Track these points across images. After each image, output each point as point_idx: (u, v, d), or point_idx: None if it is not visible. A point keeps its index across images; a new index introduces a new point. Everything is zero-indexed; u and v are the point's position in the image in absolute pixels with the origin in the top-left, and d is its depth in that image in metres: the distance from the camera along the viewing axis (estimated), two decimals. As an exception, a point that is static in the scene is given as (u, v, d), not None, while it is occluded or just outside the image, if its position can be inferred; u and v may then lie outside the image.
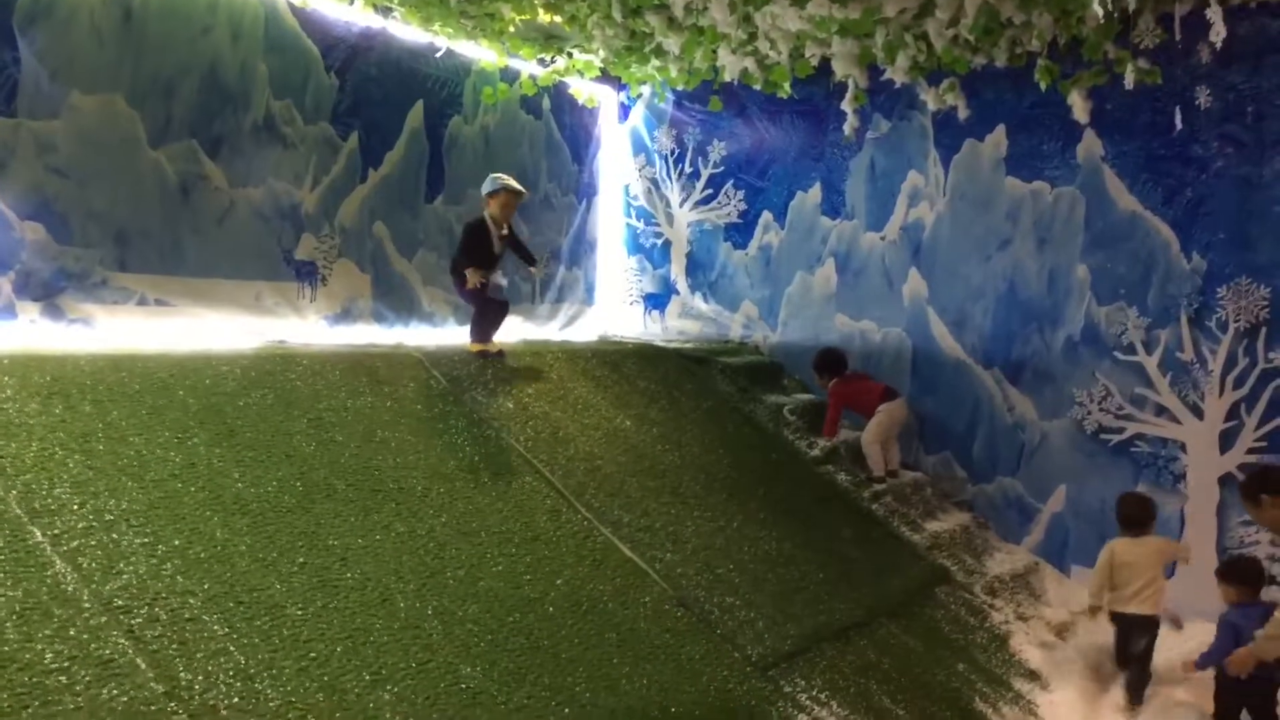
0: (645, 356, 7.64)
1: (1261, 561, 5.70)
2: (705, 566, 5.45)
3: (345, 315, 6.96)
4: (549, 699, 4.03)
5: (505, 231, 6.55)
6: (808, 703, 4.83)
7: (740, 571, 5.57)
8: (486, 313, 6.55)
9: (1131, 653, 5.89)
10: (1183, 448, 6.78)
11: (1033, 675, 6.02)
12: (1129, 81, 6.30)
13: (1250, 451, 6.49)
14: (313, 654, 3.64)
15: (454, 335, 7.39)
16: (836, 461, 7.51)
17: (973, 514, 7.74)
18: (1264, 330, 6.44)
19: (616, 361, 7.27)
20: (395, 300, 7.34)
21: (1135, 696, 5.82)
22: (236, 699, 3.31)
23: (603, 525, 5.33)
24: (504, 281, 6.73)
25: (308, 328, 6.63)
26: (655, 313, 9.30)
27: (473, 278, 6.30)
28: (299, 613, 3.79)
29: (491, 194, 6.47)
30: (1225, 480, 6.59)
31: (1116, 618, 5.97)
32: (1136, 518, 6.06)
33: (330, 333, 6.75)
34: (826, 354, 7.99)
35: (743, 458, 6.89)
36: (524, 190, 6.67)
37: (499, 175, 6.57)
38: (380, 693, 3.64)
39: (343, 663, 3.67)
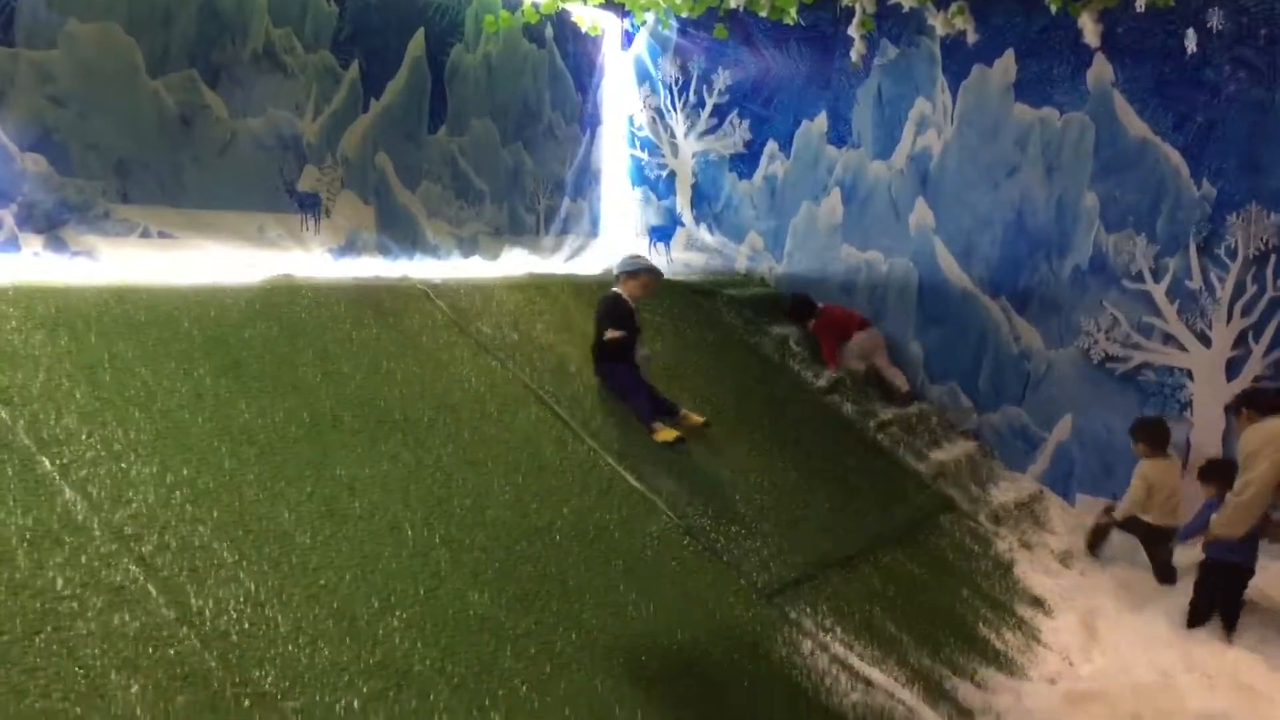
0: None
1: (1235, 463, 5.79)
2: (711, 496, 5.47)
3: (349, 248, 6.93)
4: (556, 625, 4.07)
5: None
6: (813, 629, 4.87)
7: (746, 501, 5.59)
8: (633, 389, 5.87)
9: (1159, 559, 6.40)
10: (1189, 376, 6.77)
11: (1036, 601, 6.07)
12: (1140, 4, 6.19)
13: (1257, 379, 6.48)
14: (322, 581, 3.67)
15: (458, 268, 7.38)
16: (842, 392, 7.51)
17: (978, 443, 7.76)
18: (1273, 258, 6.40)
19: (622, 293, 7.24)
20: (399, 232, 7.30)
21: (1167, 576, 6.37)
22: (247, 624, 3.34)
23: (609, 455, 5.34)
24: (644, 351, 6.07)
25: (312, 260, 6.60)
26: (660, 245, 9.25)
27: (613, 334, 5.82)
28: (307, 541, 3.81)
29: (631, 274, 6.03)
30: (1231, 408, 6.58)
31: (1145, 529, 6.45)
32: (1161, 439, 6.51)
33: (334, 265, 6.73)
34: (794, 302, 8.13)
35: (748, 389, 6.89)
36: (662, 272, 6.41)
37: (638, 255, 6.35)
38: (389, 619, 3.67)
39: (352, 590, 3.70)
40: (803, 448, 6.49)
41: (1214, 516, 5.72)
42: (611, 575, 4.53)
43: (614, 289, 6.03)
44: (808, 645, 4.75)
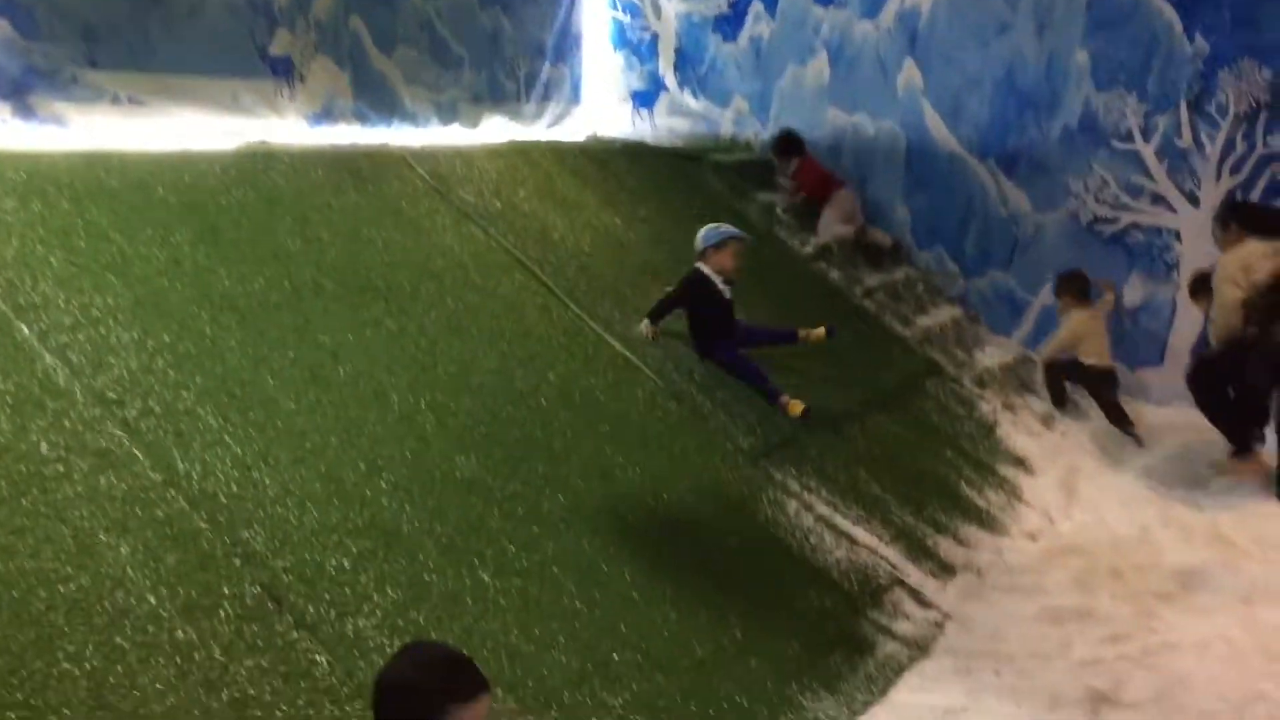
0: (634, 154, 7.51)
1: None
2: (698, 362, 5.47)
3: (326, 115, 6.77)
4: (543, 487, 4.11)
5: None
6: (798, 489, 4.93)
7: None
8: (741, 368, 5.48)
9: (1105, 399, 6.76)
10: (1177, 236, 6.74)
11: (1019, 461, 6.14)
12: None
13: (1245, 239, 6.44)
14: (308, 445, 3.68)
15: (438, 135, 7.23)
16: (829, 259, 7.47)
17: (964, 308, 7.75)
18: (1263, 114, 6.31)
19: (605, 160, 7.13)
20: (376, 99, 7.12)
21: (1128, 428, 6.62)
22: (234, 487, 3.36)
23: (594, 322, 5.32)
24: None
25: (287, 127, 6.45)
26: (644, 111, 9.08)
27: (647, 330, 5.44)
28: (292, 406, 3.81)
29: (717, 246, 5.48)
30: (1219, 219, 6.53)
31: (1084, 372, 6.80)
32: (1084, 288, 6.88)
33: (311, 133, 6.58)
34: (784, 136, 7.98)
35: (734, 255, 6.82)
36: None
37: (720, 224, 5.61)
38: (377, 481, 3.69)
39: (338, 453, 3.72)
40: (789, 314, 6.46)
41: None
42: (598, 439, 4.56)
43: (696, 265, 5.50)
44: (793, 505, 4.81)
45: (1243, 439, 5.82)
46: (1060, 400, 6.91)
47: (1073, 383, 6.94)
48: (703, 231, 5.56)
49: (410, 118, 7.36)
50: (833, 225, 7.69)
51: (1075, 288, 6.90)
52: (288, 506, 3.41)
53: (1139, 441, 6.52)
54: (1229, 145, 6.47)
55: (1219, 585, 4.66)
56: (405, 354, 4.40)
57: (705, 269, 5.48)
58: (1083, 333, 6.81)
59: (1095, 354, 6.78)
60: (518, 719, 2.84)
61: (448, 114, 7.61)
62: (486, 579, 3.57)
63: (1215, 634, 4.24)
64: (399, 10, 7.22)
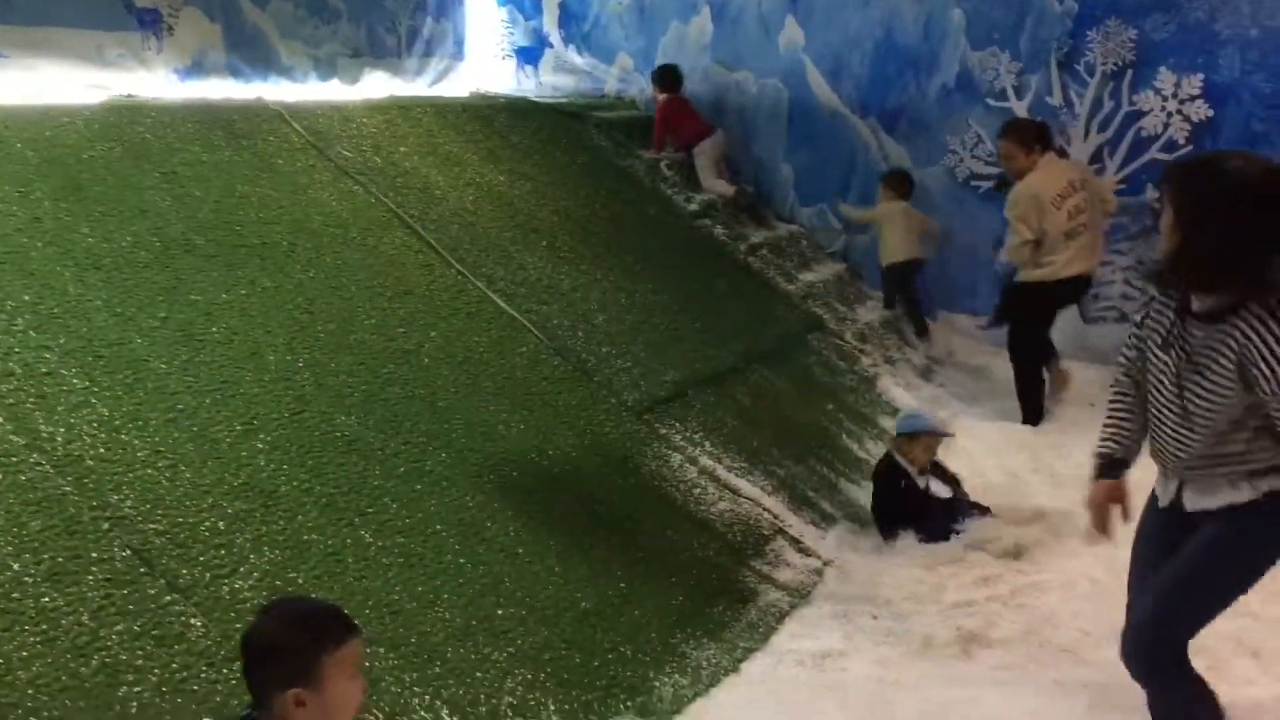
0: (518, 111, 7.43)
1: None
2: (582, 318, 5.47)
3: (196, 69, 6.56)
4: (426, 444, 4.08)
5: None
6: (682, 443, 4.98)
7: (617, 322, 5.61)
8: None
9: (906, 295, 7.35)
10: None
11: (897, 413, 6.27)
12: None
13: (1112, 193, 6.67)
14: (180, 406, 3.59)
15: (316, 91, 7.07)
16: (713, 216, 7.52)
17: (846, 264, 7.89)
18: (1129, 73, 6.52)
19: (488, 116, 7.05)
20: (250, 53, 6.92)
21: (921, 329, 7.32)
22: (102, 450, 3.26)
23: (477, 279, 5.28)
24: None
25: (156, 82, 6.24)
26: (529, 67, 8.99)
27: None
28: (163, 367, 3.71)
29: (909, 435, 4.96)
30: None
31: (889, 268, 7.33)
32: (906, 190, 7.25)
33: (181, 88, 6.37)
34: (665, 69, 7.96)
35: (619, 212, 6.84)
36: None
37: (916, 414, 5.15)
38: (253, 441, 3.63)
39: (212, 414, 3.64)
40: (674, 270, 6.52)
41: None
42: (481, 396, 4.54)
43: (889, 452, 5.06)
44: (677, 459, 4.86)
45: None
46: (892, 304, 7.50)
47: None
48: (898, 418, 5.19)
49: (286, 72, 7.19)
50: (710, 179, 7.78)
51: (894, 182, 7.27)
52: (159, 469, 3.33)
53: (921, 346, 7.26)
54: (1097, 103, 6.67)
55: (1084, 528, 4.84)
56: (282, 312, 4.31)
57: (897, 457, 4.96)
58: (885, 217, 7.25)
59: (903, 247, 7.20)
60: None
61: (326, 69, 7.45)
62: (368, 537, 3.54)
63: (1080, 574, 4.41)
64: (273, -39, 7.03)
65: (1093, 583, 4.34)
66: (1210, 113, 6.28)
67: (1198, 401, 2.66)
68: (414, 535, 3.65)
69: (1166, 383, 2.74)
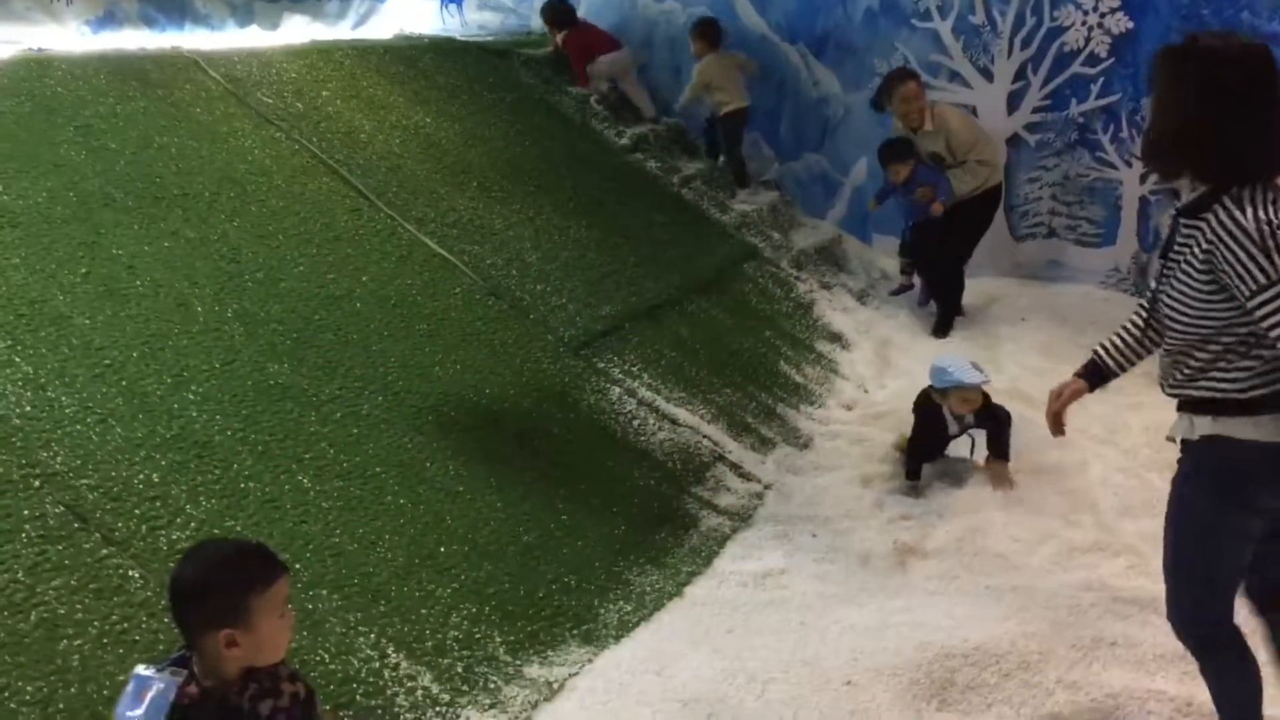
0: (443, 51, 7.32)
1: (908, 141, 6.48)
2: (515, 257, 5.46)
3: (109, 19, 6.41)
4: (361, 389, 4.08)
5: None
6: (620, 376, 5.01)
7: (551, 260, 5.61)
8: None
9: (733, 144, 7.64)
10: (974, 111, 6.95)
11: (835, 337, 6.36)
12: None
13: (1035, 110, 6.72)
14: (107, 361, 3.56)
15: (234, 38, 6.93)
16: (645, 150, 7.50)
17: (780, 192, 7.90)
18: (1051, -13, 6.55)
19: (413, 58, 6.94)
20: (164, 2, 6.77)
21: (743, 179, 7.70)
22: (28, 408, 3.23)
23: (407, 222, 5.24)
24: None
25: (66, 35, 6.09)
26: (453, 7, 8.85)
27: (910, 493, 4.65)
28: (87, 322, 3.67)
29: (941, 391, 4.62)
30: (1013, 140, 6.84)
31: (721, 119, 7.56)
32: (716, 37, 7.47)
33: (94, 40, 6.22)
34: (552, 5, 7.90)
35: (549, 150, 6.80)
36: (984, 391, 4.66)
37: (944, 367, 4.61)
38: (183, 393, 3.61)
39: (140, 367, 3.61)
40: (607, 205, 6.50)
41: (957, 182, 6.35)
42: (416, 338, 4.53)
43: (929, 389, 4.72)
44: (615, 392, 4.90)
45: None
46: (717, 153, 7.75)
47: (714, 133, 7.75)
48: (931, 367, 4.73)
49: (204, 20, 7.05)
50: (598, 78, 7.80)
51: (706, 33, 7.47)
52: (88, 424, 3.30)
53: (741, 194, 7.54)
54: (1019, 21, 6.69)
55: (1017, 439, 4.95)
56: (208, 263, 4.27)
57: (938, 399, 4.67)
58: (711, 74, 7.40)
59: (728, 97, 7.43)
60: None
61: (244, 15, 7.32)
62: (306, 483, 3.55)
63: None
64: (181, -95, 6.85)
65: (1024, 492, 4.44)
66: (1130, 24, 6.33)
67: (1167, 304, 2.45)
68: (353, 478, 3.67)
69: (1157, 288, 2.52)
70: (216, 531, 3.19)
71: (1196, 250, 2.34)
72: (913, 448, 4.70)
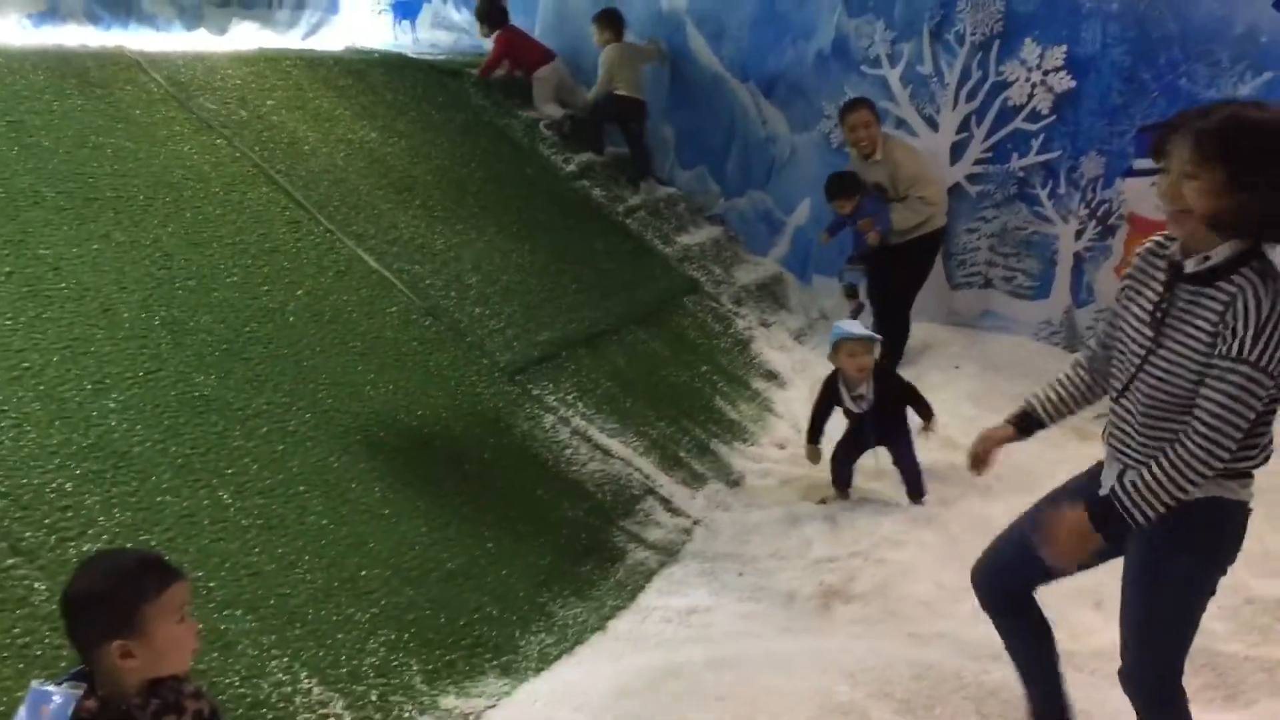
0: (394, 67, 7.27)
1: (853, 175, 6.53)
2: (455, 278, 5.42)
3: (52, 14, 6.29)
4: (290, 405, 4.00)
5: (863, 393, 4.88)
6: (555, 404, 4.98)
7: (491, 283, 5.57)
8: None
9: (634, 134, 7.76)
10: (919, 159, 7.05)
11: (771, 375, 6.39)
12: None
13: (977, 162, 6.82)
14: (25, 364, 3.45)
15: (181, 41, 6.82)
16: (591, 177, 7.50)
17: (724, 227, 7.93)
18: (997, 43, 6.65)
19: (362, 71, 6.89)
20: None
21: (645, 171, 7.77)
22: (-63, 409, 3.13)
23: (346, 237, 5.18)
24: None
25: (7, 27, 5.95)
26: (406, 23, 8.82)
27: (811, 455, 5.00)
28: (8, 323, 3.56)
29: (833, 349, 4.85)
30: (955, 190, 6.93)
31: (617, 104, 7.61)
32: (618, 25, 7.65)
33: (35, 34, 6.09)
34: (491, 5, 7.97)
35: (496, 172, 6.77)
36: (876, 339, 4.93)
37: (843, 321, 4.98)
38: (104, 401, 3.51)
39: (60, 372, 3.51)
40: (550, 231, 6.48)
41: (897, 217, 6.40)
42: (349, 356, 4.47)
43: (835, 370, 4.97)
44: (549, 420, 4.86)
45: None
46: (600, 146, 7.76)
47: (609, 121, 7.75)
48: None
49: (150, 20, 6.94)
50: (543, 103, 7.81)
51: (610, 22, 7.62)
52: (2, 428, 3.20)
53: (636, 184, 7.66)
54: (965, 73, 6.80)
55: (945, 486, 4.99)
56: (138, 268, 4.17)
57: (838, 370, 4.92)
58: (616, 62, 7.52)
59: (626, 85, 7.56)
60: None
61: (192, 18, 7.22)
62: (226, 498, 3.47)
63: (938, 530, 4.55)
64: (133, -97, 6.74)
65: (950, 538, 4.47)
66: (1073, 84, 6.45)
67: (1157, 370, 2.40)
68: (275, 496, 3.59)
69: (1134, 350, 2.48)
70: (129, 545, 3.09)
71: (1208, 316, 2.32)
72: (815, 410, 5.02)
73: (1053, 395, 2.79)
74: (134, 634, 1.89)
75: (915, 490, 4.91)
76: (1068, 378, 2.78)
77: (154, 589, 1.93)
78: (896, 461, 4.96)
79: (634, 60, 7.67)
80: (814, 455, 5.00)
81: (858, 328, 4.93)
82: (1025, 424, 2.84)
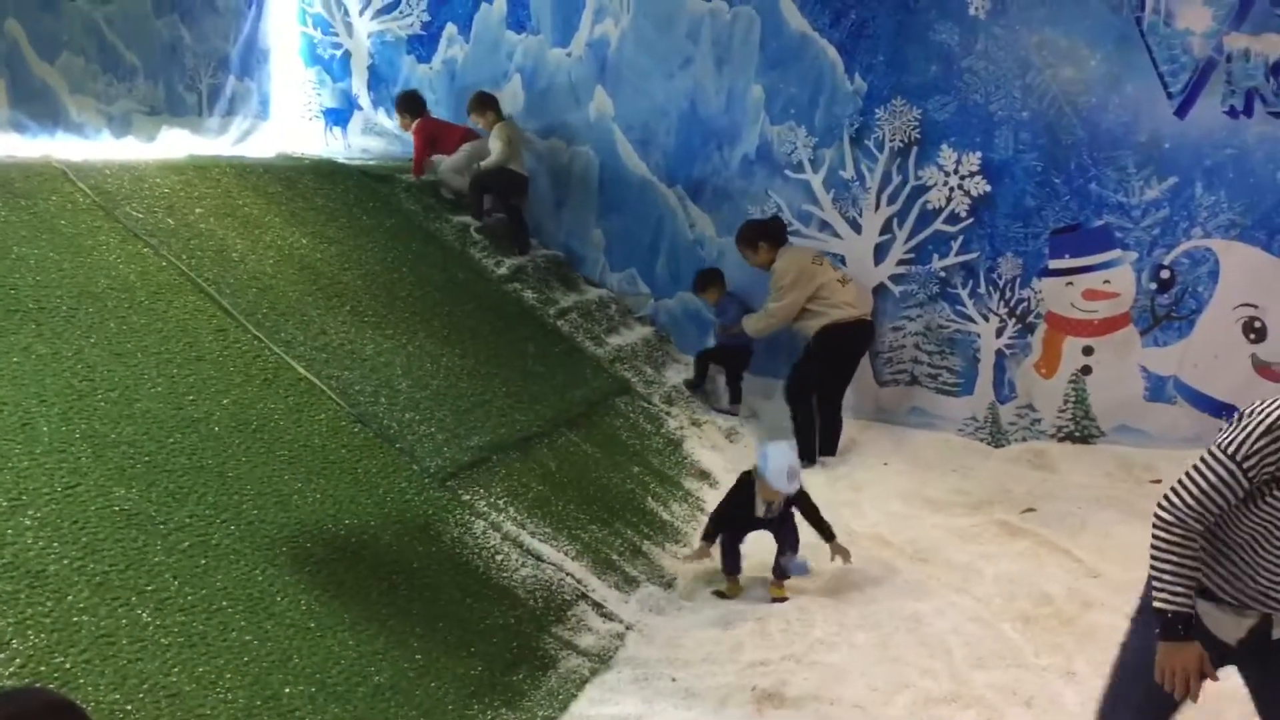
0: (324, 173, 7.32)
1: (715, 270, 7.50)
2: (385, 384, 5.40)
3: (-22, 124, 6.27)
4: (213, 517, 3.94)
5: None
6: (486, 509, 4.95)
7: (421, 388, 5.56)
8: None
9: (514, 209, 8.00)
10: (843, 260, 7.23)
11: (703, 474, 6.42)
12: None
13: (901, 262, 7.02)
14: (-63, 482, 3.38)
15: (107, 149, 6.82)
16: (523, 280, 7.56)
17: (654, 328, 8.04)
18: (915, 149, 6.90)
19: (292, 178, 6.92)
20: (37, 108, 6.65)
21: (523, 242, 7.97)
22: None
23: (275, 344, 5.15)
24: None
25: (-70, 137, 5.92)
26: (337, 129, 8.90)
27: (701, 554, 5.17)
28: (-80, 440, 3.49)
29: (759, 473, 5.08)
30: (879, 290, 7.11)
31: (506, 175, 7.83)
32: (499, 106, 8.01)
33: (-41, 144, 6.06)
34: (406, 95, 8.23)
35: (427, 276, 6.80)
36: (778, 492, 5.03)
37: (771, 461, 5.00)
38: (20, 518, 3.43)
39: (-26, 490, 3.43)
40: (481, 335, 6.51)
41: (746, 320, 7.20)
42: (275, 465, 4.41)
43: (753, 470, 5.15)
44: (480, 526, 4.83)
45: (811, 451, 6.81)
46: (480, 212, 7.87)
47: (489, 193, 7.90)
48: (759, 450, 5.13)
49: (77, 129, 6.93)
50: (450, 174, 7.99)
51: (489, 105, 7.94)
52: (-89, 550, 3.12)
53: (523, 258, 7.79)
54: (886, 177, 7.03)
55: (876, 585, 5.03)
56: (59, 381, 4.11)
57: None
58: (511, 138, 7.82)
59: (515, 162, 7.89)
60: None
61: (120, 126, 7.22)
62: (145, 617, 3.38)
63: (870, 630, 4.57)
64: (62, 16, 6.78)
65: (883, 640, 4.49)
66: (988, 187, 6.70)
67: None
68: (196, 613, 3.51)
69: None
70: (43, 668, 3.01)
71: None
72: (719, 513, 5.16)
73: (1192, 587, 2.62)
74: None
75: (783, 573, 5.04)
76: (1195, 564, 2.60)
77: None
78: (781, 546, 5.07)
79: (522, 139, 8.06)
80: (704, 554, 5.12)
81: (780, 480, 4.94)
82: (1193, 630, 2.63)
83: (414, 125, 8.03)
